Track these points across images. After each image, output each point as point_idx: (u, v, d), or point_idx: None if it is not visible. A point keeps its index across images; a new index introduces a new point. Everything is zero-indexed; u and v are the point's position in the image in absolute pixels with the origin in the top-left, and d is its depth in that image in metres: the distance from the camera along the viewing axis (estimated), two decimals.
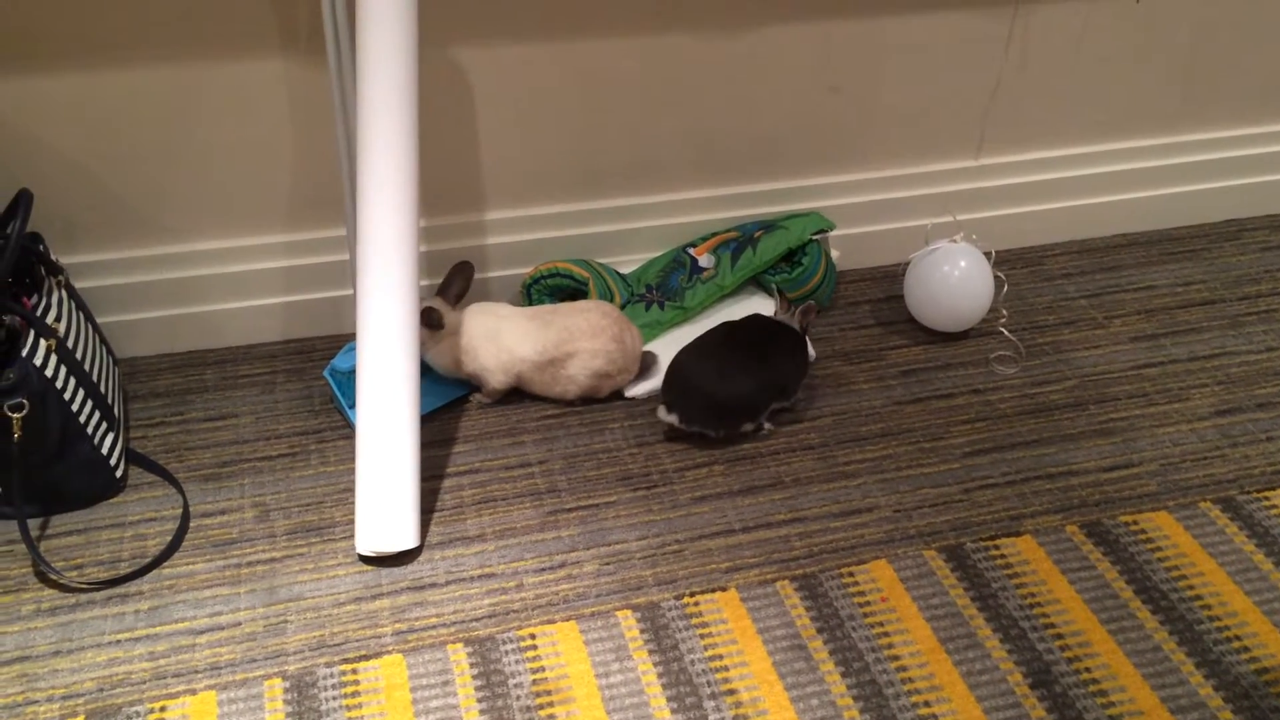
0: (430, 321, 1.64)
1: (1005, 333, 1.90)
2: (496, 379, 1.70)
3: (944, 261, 1.85)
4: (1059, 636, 1.38)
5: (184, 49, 1.59)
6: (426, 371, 1.66)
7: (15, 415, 1.41)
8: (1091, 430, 1.71)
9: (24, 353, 1.42)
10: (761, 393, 1.67)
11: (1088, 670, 1.34)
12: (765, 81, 1.85)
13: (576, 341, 1.68)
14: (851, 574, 1.47)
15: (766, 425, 1.70)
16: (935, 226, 1.99)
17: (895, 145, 1.99)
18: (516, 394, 1.76)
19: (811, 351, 1.78)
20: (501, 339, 1.68)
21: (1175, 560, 1.49)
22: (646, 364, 1.77)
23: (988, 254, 1.87)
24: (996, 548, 1.50)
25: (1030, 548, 1.50)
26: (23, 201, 1.48)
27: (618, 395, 1.76)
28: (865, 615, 1.41)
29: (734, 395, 1.65)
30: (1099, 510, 1.57)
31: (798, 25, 1.80)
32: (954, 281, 1.84)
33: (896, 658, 1.36)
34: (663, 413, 1.66)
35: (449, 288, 1.70)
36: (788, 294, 1.91)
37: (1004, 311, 1.93)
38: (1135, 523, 1.54)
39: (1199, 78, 2.08)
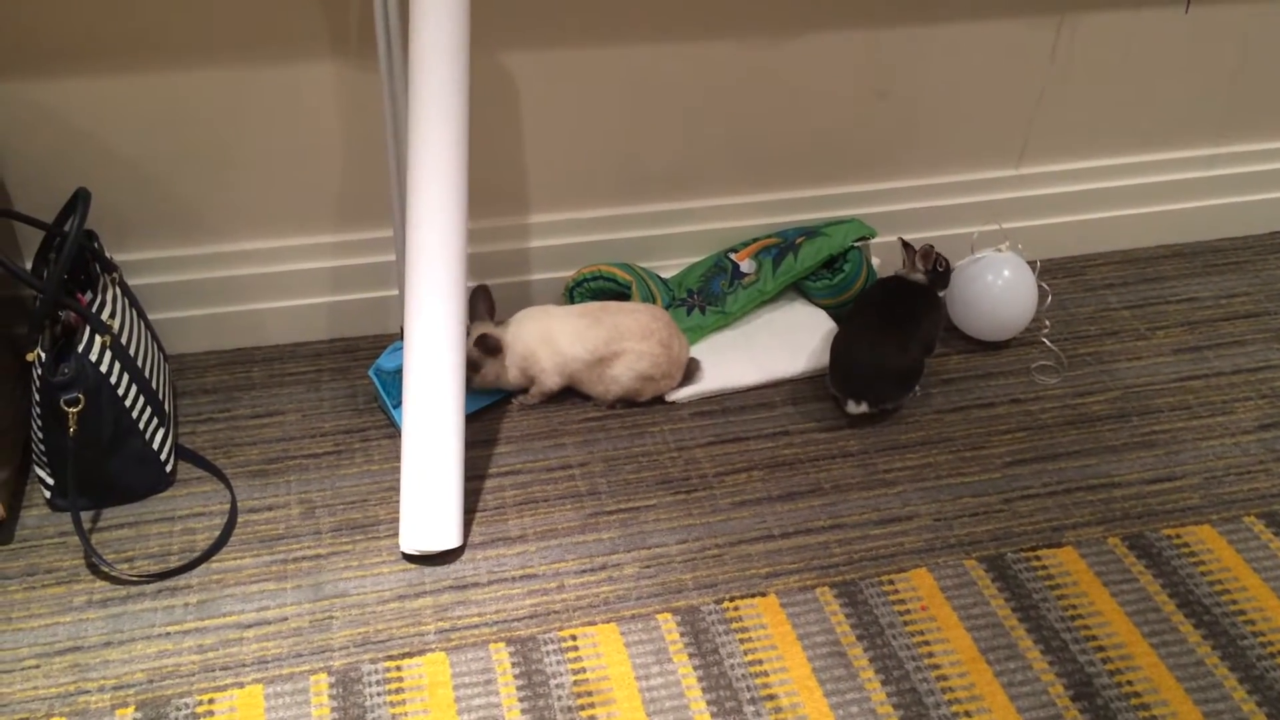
0: (490, 347, 1.66)
1: (1047, 343, 1.89)
2: (551, 380, 1.72)
3: (988, 270, 1.85)
4: (1100, 649, 1.38)
5: (237, 51, 1.61)
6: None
7: (71, 410, 1.44)
8: (1134, 442, 1.70)
9: (80, 348, 1.45)
10: (926, 349, 1.76)
11: (1129, 683, 1.34)
12: (810, 88, 1.86)
13: (625, 341, 1.69)
14: (891, 582, 1.47)
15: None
16: (981, 235, 1.99)
17: (938, 153, 1.99)
18: (557, 395, 1.77)
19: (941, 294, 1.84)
20: (556, 341, 1.70)
21: (1218, 574, 1.48)
22: (690, 370, 1.78)
23: (1033, 264, 1.87)
24: (1038, 558, 1.50)
25: (1072, 559, 1.50)
26: (81, 199, 1.51)
27: (658, 399, 1.77)
28: (905, 623, 1.41)
29: (911, 359, 1.71)
30: (1141, 523, 1.56)
31: (843, 32, 1.81)
32: (997, 290, 1.84)
33: (936, 667, 1.36)
34: (851, 406, 1.71)
35: (476, 311, 1.72)
36: (824, 300, 1.92)
37: (1046, 323, 1.93)
38: (1178, 536, 1.54)
39: (1246, 88, 2.07)
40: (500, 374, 1.70)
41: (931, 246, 1.78)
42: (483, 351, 1.67)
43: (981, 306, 1.86)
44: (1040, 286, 1.88)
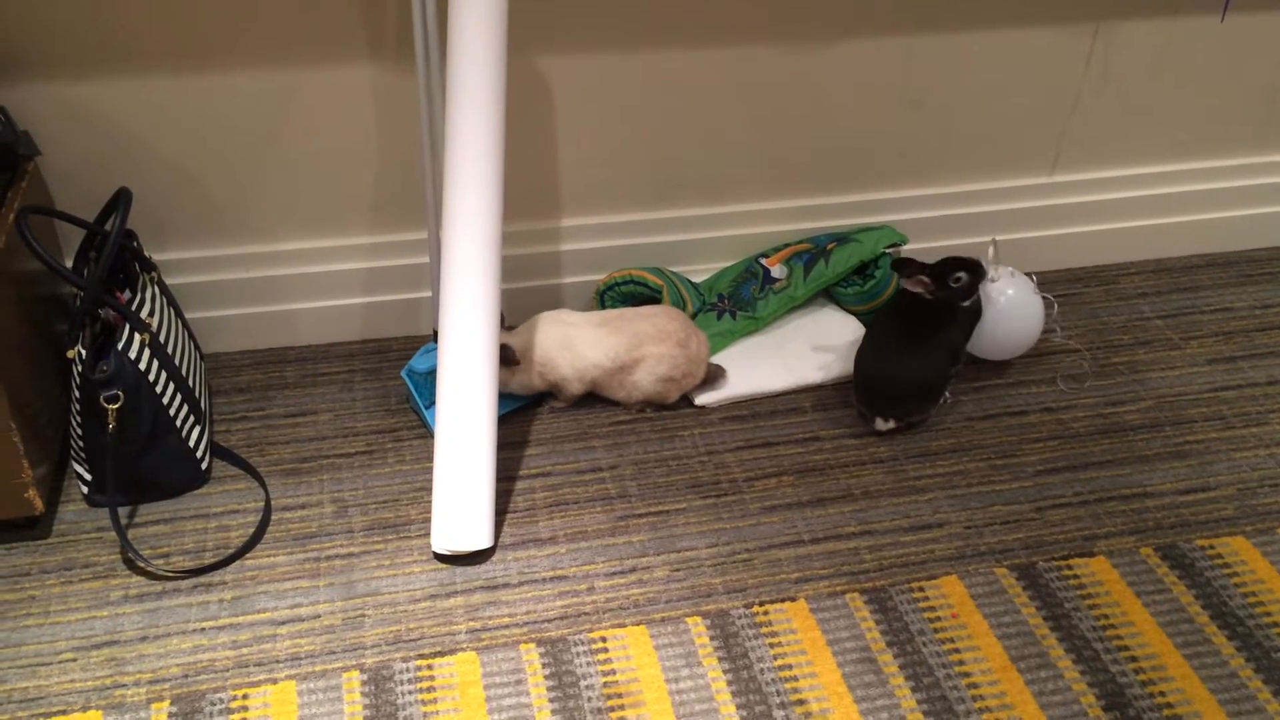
0: (508, 358, 1.67)
1: (1071, 343, 1.87)
2: (574, 387, 1.72)
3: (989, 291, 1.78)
4: (1133, 659, 1.37)
5: (276, 54, 1.63)
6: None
7: (110, 406, 1.45)
8: (1167, 452, 1.69)
9: (119, 346, 1.47)
10: (952, 360, 1.73)
11: (1162, 694, 1.33)
12: (843, 94, 1.86)
13: (644, 346, 1.70)
14: (922, 589, 1.47)
15: (948, 395, 1.78)
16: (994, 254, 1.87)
17: (970, 160, 1.99)
18: (588, 399, 1.78)
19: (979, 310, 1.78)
20: (575, 347, 1.70)
21: (1252, 586, 1.47)
22: (713, 375, 1.78)
23: (1029, 275, 1.82)
24: (1069, 568, 1.49)
25: (1104, 569, 1.49)
26: (123, 199, 1.53)
27: (687, 403, 1.77)
28: (935, 630, 1.41)
29: (935, 372, 1.70)
30: (1174, 533, 1.55)
31: (878, 39, 1.81)
32: (1000, 310, 1.78)
33: (967, 674, 1.36)
34: (879, 424, 1.70)
35: None
36: (855, 307, 1.92)
37: (1058, 329, 1.91)
38: (1211, 547, 1.53)
39: None
40: (514, 383, 1.72)
41: (959, 279, 1.68)
42: (501, 363, 1.66)
43: (989, 329, 1.79)
44: (1044, 298, 1.83)
